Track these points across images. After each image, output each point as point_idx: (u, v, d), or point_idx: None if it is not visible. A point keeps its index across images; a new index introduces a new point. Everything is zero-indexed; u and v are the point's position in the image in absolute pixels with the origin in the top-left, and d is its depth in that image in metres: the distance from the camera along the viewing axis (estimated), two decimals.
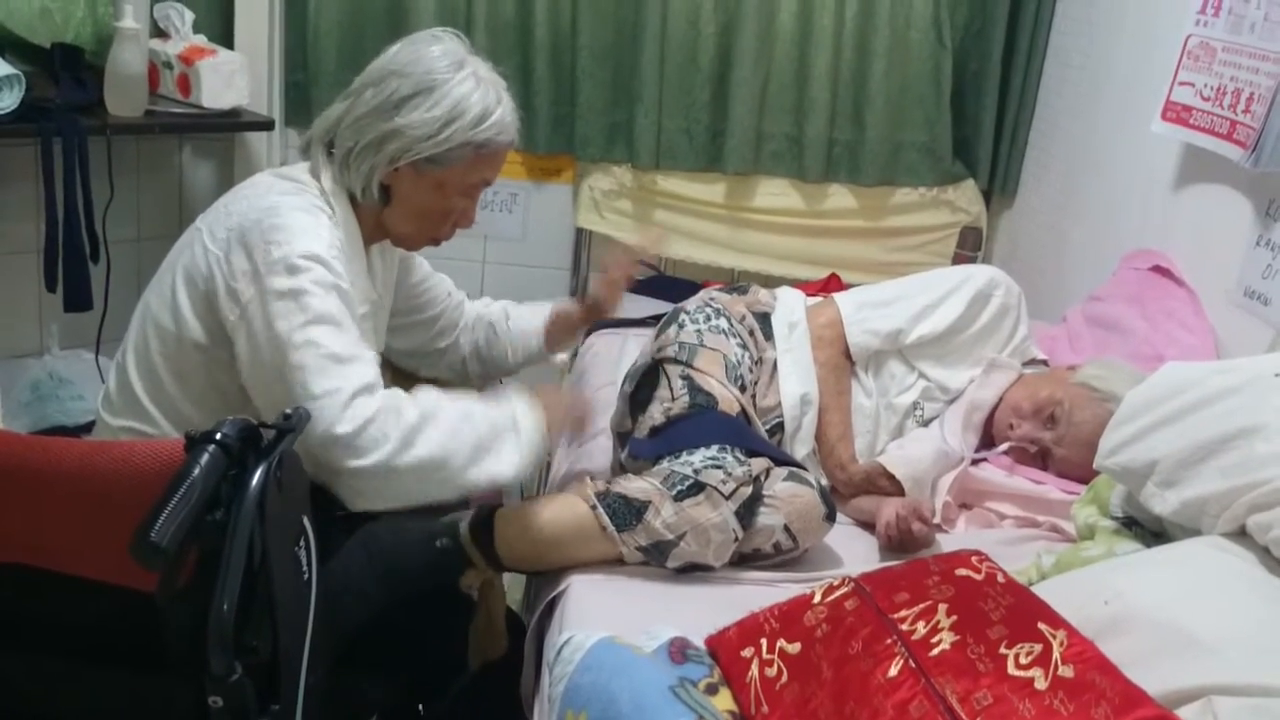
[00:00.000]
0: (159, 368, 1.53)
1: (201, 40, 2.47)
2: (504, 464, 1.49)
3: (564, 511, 1.59)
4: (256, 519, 1.05)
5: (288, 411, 1.14)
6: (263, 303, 1.43)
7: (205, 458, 1.04)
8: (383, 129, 1.54)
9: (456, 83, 1.54)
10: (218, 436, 1.05)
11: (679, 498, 1.55)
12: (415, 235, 1.66)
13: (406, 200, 1.60)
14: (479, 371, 2.00)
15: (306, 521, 1.17)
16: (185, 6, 2.49)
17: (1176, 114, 2.16)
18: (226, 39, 2.59)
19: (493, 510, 1.60)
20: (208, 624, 1.02)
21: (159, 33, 2.50)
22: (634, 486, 1.58)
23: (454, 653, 1.65)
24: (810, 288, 2.53)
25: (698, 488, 1.56)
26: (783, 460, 1.70)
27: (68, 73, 2.30)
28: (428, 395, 1.49)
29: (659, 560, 1.57)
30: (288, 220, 1.47)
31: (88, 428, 1.72)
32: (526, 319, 1.99)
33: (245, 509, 1.04)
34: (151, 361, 1.54)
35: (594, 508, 1.57)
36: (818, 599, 1.32)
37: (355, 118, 1.56)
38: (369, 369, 1.45)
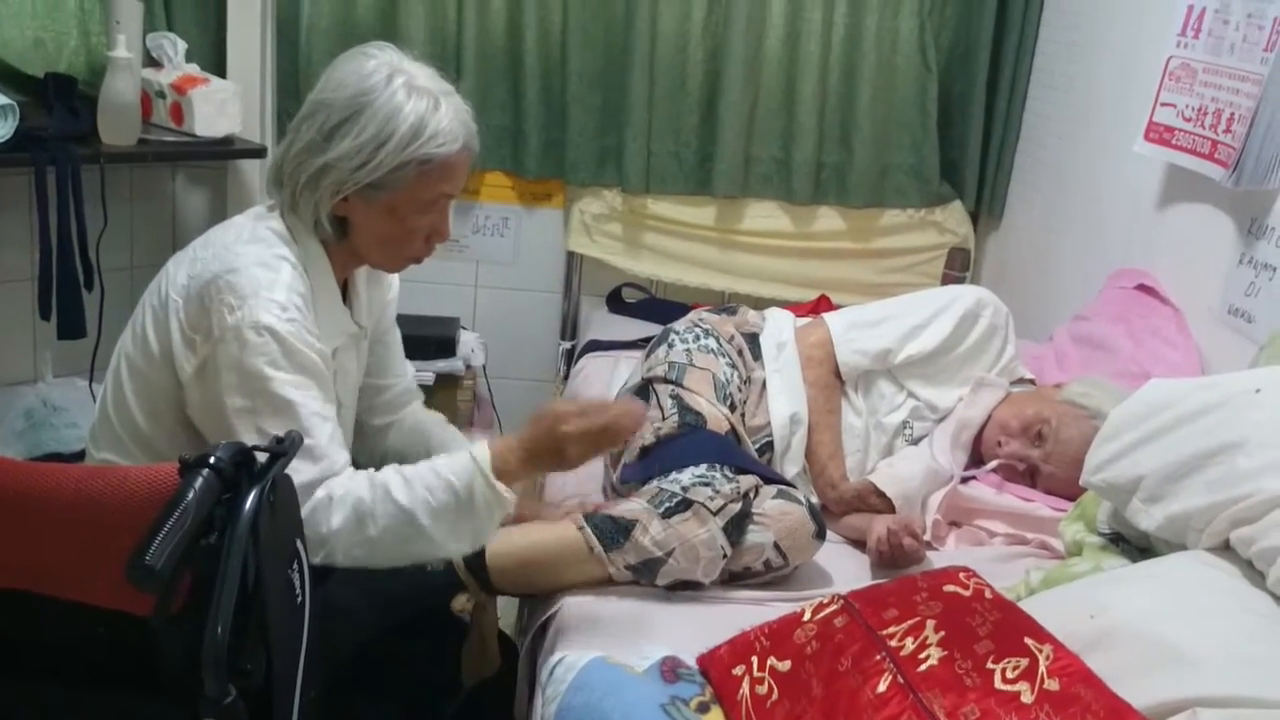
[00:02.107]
0: (131, 405, 1.51)
1: (194, 69, 2.48)
2: (449, 551, 1.45)
3: (553, 534, 1.60)
4: (250, 542, 1.06)
5: (279, 435, 1.14)
6: (216, 372, 1.40)
7: (199, 482, 1.04)
8: (316, 164, 1.46)
9: (386, 99, 1.44)
10: (211, 460, 1.06)
11: (666, 515, 1.56)
12: (388, 261, 1.60)
13: (364, 229, 1.52)
14: None
15: (300, 545, 1.18)
16: (178, 36, 2.51)
17: (1159, 134, 2.18)
18: (219, 68, 2.60)
19: None
20: (202, 647, 1.02)
21: (152, 62, 2.51)
22: (622, 506, 1.59)
23: (447, 674, 1.65)
24: (800, 309, 2.55)
25: (685, 505, 1.57)
26: (772, 478, 1.71)
27: (61, 102, 2.30)
28: (375, 488, 1.41)
29: (649, 578, 1.58)
30: (244, 278, 1.41)
31: (82, 455, 1.71)
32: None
33: (239, 533, 1.05)
34: (125, 397, 1.52)
35: (582, 529, 1.58)
36: (807, 616, 1.33)
37: (293, 155, 1.49)
38: (313, 463, 1.39)
